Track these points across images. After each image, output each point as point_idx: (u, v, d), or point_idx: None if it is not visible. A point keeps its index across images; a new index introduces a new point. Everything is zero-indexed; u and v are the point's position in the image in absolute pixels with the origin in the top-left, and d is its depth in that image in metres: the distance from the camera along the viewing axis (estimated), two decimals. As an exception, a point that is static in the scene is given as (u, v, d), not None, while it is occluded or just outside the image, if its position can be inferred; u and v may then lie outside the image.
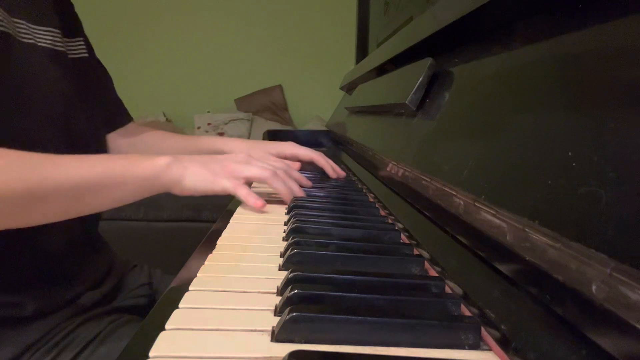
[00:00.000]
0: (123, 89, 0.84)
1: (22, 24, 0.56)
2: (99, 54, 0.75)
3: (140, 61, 3.06)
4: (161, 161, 0.54)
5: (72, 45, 0.67)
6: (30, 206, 0.47)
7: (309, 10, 3.03)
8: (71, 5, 0.69)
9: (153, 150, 0.81)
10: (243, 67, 3.09)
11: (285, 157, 0.75)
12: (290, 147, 0.78)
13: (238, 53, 3.07)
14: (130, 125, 0.81)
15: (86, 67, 0.69)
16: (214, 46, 3.06)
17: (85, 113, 0.65)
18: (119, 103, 0.80)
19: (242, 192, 0.56)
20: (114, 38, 2.99)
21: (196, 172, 0.55)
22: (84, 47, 0.69)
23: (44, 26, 0.59)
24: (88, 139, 0.66)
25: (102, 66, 0.77)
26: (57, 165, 0.49)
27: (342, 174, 0.81)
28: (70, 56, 0.64)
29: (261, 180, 0.59)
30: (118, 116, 0.79)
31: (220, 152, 0.77)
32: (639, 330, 0.17)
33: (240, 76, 3.09)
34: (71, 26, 0.67)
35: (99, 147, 0.70)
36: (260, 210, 0.56)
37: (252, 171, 0.58)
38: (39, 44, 0.58)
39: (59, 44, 0.61)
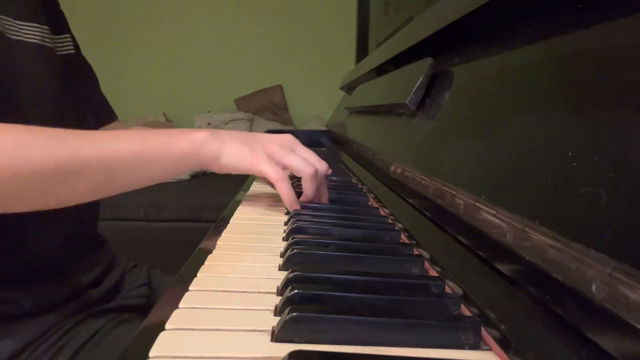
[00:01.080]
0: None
1: (9, 20, 0.56)
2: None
3: (140, 61, 3.05)
4: (198, 136, 0.51)
5: (60, 42, 0.67)
6: (61, 183, 0.45)
7: (309, 10, 3.03)
8: (56, 2, 0.69)
9: None
10: (243, 67, 3.08)
11: None
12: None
13: (238, 53, 3.06)
14: (115, 124, 0.81)
15: (74, 64, 0.69)
16: (214, 46, 3.06)
17: (74, 110, 0.65)
18: (105, 100, 0.80)
19: (284, 189, 0.53)
20: (113, 38, 2.99)
21: (235, 148, 0.52)
22: (70, 44, 0.69)
23: (31, 22, 0.59)
24: None
25: (88, 63, 0.77)
26: (90, 139, 0.47)
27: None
28: (58, 53, 0.64)
29: (299, 175, 0.55)
30: (105, 113, 0.79)
31: None
32: (639, 330, 0.17)
33: (240, 76, 3.08)
34: (58, 23, 0.67)
35: None
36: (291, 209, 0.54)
37: (294, 161, 0.54)
38: (27, 40, 0.58)
39: (47, 39, 0.61)
